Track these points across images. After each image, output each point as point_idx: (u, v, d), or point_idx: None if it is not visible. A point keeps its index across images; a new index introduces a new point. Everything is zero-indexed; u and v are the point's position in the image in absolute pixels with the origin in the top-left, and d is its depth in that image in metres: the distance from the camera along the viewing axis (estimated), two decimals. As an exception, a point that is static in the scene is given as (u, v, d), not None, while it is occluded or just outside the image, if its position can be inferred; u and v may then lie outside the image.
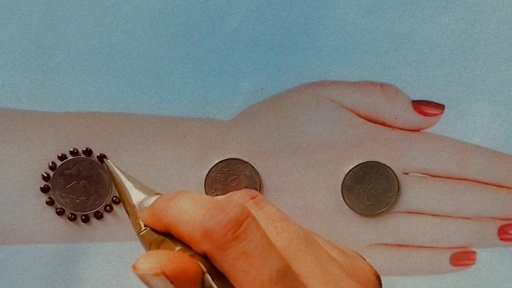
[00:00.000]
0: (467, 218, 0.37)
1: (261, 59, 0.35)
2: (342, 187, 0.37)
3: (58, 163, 0.36)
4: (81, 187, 0.36)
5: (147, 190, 0.28)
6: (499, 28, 0.35)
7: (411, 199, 0.37)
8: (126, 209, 0.28)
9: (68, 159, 0.36)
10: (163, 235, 0.25)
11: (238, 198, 0.26)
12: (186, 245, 0.24)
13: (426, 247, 0.38)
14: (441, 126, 0.36)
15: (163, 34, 0.34)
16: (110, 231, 0.37)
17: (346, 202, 0.37)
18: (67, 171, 0.36)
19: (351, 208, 0.37)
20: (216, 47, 0.35)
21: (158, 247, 0.25)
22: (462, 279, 0.38)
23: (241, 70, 0.35)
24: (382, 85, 0.36)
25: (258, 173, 0.37)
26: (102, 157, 0.35)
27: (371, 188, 0.37)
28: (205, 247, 0.23)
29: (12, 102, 0.35)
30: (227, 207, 0.23)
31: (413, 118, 0.36)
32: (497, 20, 0.35)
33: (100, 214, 0.37)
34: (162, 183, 0.36)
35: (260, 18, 0.34)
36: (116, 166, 0.30)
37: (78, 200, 0.36)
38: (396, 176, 0.37)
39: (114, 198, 0.38)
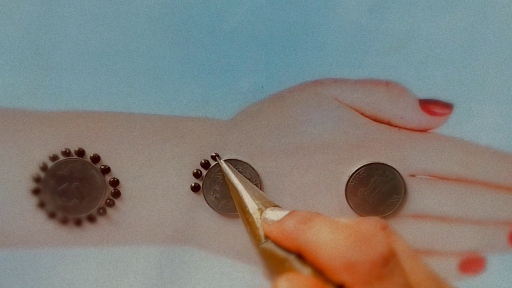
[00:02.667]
0: (476, 222, 0.37)
1: (261, 57, 0.34)
2: (346, 189, 0.36)
3: (50, 164, 0.36)
4: (73, 189, 0.36)
5: (265, 199, 0.29)
6: (506, 26, 0.34)
7: (417, 202, 0.36)
8: (242, 215, 0.29)
9: (60, 160, 0.36)
10: (287, 252, 0.26)
11: (369, 227, 0.26)
12: (314, 268, 0.24)
13: (433, 253, 0.37)
14: (449, 126, 0.35)
15: (163, 33, 0.34)
16: (104, 235, 0.37)
17: (350, 205, 0.37)
18: (59, 172, 0.35)
19: (355, 211, 0.37)
20: (216, 46, 0.34)
21: (280, 264, 0.25)
22: (472, 287, 0.37)
23: (240, 68, 0.35)
24: (387, 83, 0.35)
25: (258, 174, 0.36)
26: (214, 156, 0.35)
27: (376, 190, 0.36)
28: (345, 278, 0.23)
29: (4, 101, 0.35)
30: (374, 242, 0.23)
31: (420, 117, 0.35)
32: (503, 17, 0.34)
33: (93, 217, 0.37)
34: (161, 184, 0.36)
35: (260, 17, 0.33)
36: (229, 167, 0.31)
37: (70, 203, 0.36)
38: (402, 178, 0.36)
39: (108, 201, 0.37)
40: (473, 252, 0.37)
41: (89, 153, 0.36)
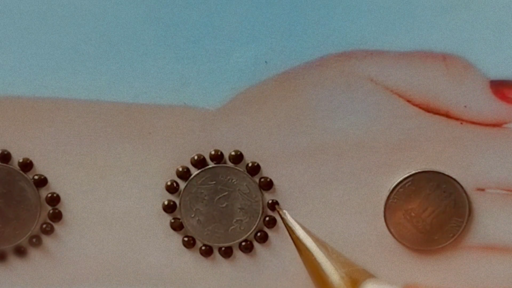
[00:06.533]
0: None
1: (265, 16, 0.31)
2: (385, 209, 0.32)
3: None
4: None
5: (352, 267, 0.28)
6: None
7: (488, 228, 0.32)
8: (319, 284, 0.28)
9: None
10: None
11: None
12: None
13: None
14: None
15: None
16: (38, 275, 0.33)
17: (390, 231, 0.32)
18: None
19: (398, 240, 0.32)
20: (198, 2, 0.31)
21: None
22: None
23: (235, 33, 0.31)
24: (445, 57, 0.31)
25: (259, 187, 0.32)
26: (273, 204, 0.33)
27: (429, 210, 0.32)
28: None
29: None
30: None
31: (492, 106, 0.32)
32: None
33: (23, 249, 0.33)
34: (120, 202, 0.32)
35: None
36: (296, 220, 0.30)
37: None
38: (466, 194, 0.32)
39: (44, 226, 0.32)
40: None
41: (17, 157, 0.32)
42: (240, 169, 0.32)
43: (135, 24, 0.31)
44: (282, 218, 0.30)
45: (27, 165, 0.31)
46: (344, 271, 0.27)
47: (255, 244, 0.32)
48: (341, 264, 0.28)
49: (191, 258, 0.33)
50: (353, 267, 0.28)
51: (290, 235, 0.30)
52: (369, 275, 0.27)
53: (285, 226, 0.30)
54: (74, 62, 0.31)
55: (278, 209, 0.31)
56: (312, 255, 0.28)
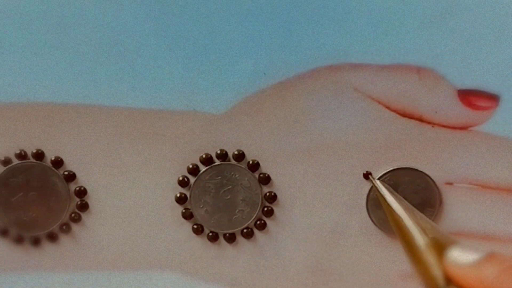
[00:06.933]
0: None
1: (264, 33, 0.33)
2: (367, 201, 0.34)
3: (1, 169, 0.34)
4: (30, 200, 0.34)
5: (438, 232, 0.28)
6: None
7: (456, 217, 0.35)
8: (407, 250, 0.28)
9: (13, 164, 0.34)
10: None
11: None
12: None
13: None
14: (495, 122, 0.34)
15: (140, 5, 0.32)
16: (67, 258, 0.36)
17: (372, 220, 0.35)
18: (12, 179, 0.34)
19: (379, 228, 0.35)
20: (206, 20, 0.33)
21: None
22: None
23: (237, 49, 0.33)
24: (419, 69, 0.33)
25: (259, 182, 0.34)
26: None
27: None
28: None
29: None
30: None
31: (459, 112, 0.34)
32: None
33: (54, 235, 0.35)
34: (139, 194, 0.34)
35: None
36: (387, 189, 0.30)
37: (25, 217, 0.35)
38: (437, 187, 0.34)
39: (73, 215, 0.35)
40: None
41: (50, 156, 0.34)
42: (242, 166, 0.34)
43: (153, 43, 0.33)
44: (374, 186, 0.31)
45: (58, 163, 0.34)
46: (430, 236, 0.27)
47: (255, 231, 0.35)
48: (428, 230, 0.28)
49: (200, 243, 0.35)
50: (438, 233, 0.28)
51: (381, 201, 0.30)
52: (453, 241, 0.27)
53: (377, 193, 0.30)
54: (97, 74, 0.33)
55: (371, 178, 0.32)
56: (402, 220, 0.28)
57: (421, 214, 0.29)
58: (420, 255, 0.27)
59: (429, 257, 0.26)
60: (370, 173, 0.32)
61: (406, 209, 0.29)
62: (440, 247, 0.27)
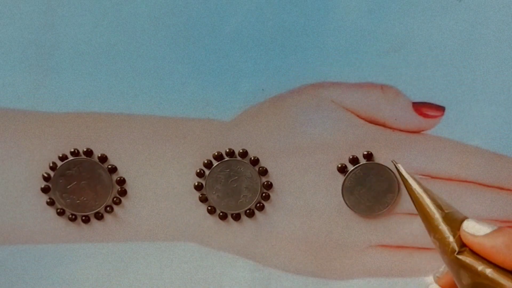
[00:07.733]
0: (467, 219, 0.36)
1: (262, 59, 0.35)
2: (342, 188, 0.37)
3: (59, 163, 0.36)
4: (81, 187, 0.36)
5: (451, 209, 0.28)
6: (500, 29, 0.34)
7: (410, 201, 0.34)
8: (427, 223, 0.28)
9: (68, 159, 0.36)
10: (486, 265, 0.26)
11: None
12: None
13: (427, 248, 0.38)
14: (442, 127, 0.36)
15: (164, 34, 0.34)
16: (110, 232, 0.37)
17: (346, 203, 0.37)
18: (68, 171, 0.36)
19: (352, 209, 0.37)
20: (217, 47, 0.34)
21: (476, 274, 0.26)
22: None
23: (241, 70, 0.35)
24: (382, 86, 0.35)
25: (258, 173, 0.37)
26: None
27: (372, 189, 0.37)
28: None
29: (12, 102, 0.35)
30: None
31: (414, 119, 0.36)
32: (497, 21, 0.34)
33: (100, 214, 0.37)
34: (165, 183, 0.36)
35: (261, 19, 0.34)
36: (409, 174, 0.29)
37: (78, 201, 0.37)
38: (396, 178, 0.37)
39: (115, 199, 0.37)
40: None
41: (97, 153, 0.36)
42: (246, 161, 0.36)
43: (179, 68, 0.35)
44: (398, 170, 0.30)
45: (103, 159, 0.36)
46: (446, 211, 0.28)
47: (256, 211, 0.37)
48: (444, 206, 0.28)
49: (212, 221, 0.37)
50: (451, 209, 0.28)
51: (404, 183, 0.29)
52: (464, 216, 0.28)
53: (400, 176, 0.29)
54: (135, 88, 0.35)
55: (394, 163, 0.30)
56: (422, 199, 0.28)
57: (437, 194, 0.29)
58: (437, 225, 0.27)
59: (445, 228, 0.27)
60: (396, 162, 0.31)
61: (424, 190, 0.29)
62: (453, 220, 0.28)
